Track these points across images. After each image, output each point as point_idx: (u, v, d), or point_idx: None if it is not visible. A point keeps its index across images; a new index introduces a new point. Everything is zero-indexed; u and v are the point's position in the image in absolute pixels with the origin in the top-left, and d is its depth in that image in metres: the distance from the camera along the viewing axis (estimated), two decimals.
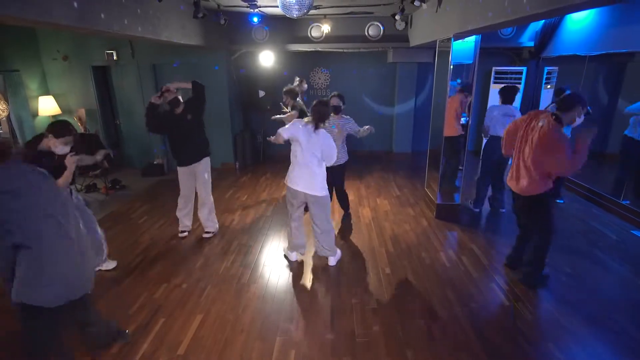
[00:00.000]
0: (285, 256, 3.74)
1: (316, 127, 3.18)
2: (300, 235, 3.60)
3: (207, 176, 4.02)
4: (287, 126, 3.32)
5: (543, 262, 3.15)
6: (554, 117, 2.81)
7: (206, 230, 4.20)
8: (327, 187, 3.36)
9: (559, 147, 2.71)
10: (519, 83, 6.54)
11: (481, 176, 4.69)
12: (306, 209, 3.59)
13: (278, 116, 4.82)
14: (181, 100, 3.78)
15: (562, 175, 3.06)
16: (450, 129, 4.53)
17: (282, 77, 7.42)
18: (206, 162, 3.99)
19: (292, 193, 3.39)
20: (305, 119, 3.27)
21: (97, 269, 3.47)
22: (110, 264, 3.60)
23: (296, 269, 3.56)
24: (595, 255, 3.71)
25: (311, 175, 3.24)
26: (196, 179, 4.00)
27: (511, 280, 3.32)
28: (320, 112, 3.18)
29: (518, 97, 6.55)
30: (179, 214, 4.18)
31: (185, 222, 4.23)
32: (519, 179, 3.01)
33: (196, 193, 4.11)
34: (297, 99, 4.83)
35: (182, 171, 3.97)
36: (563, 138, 2.73)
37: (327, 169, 3.48)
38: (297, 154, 3.27)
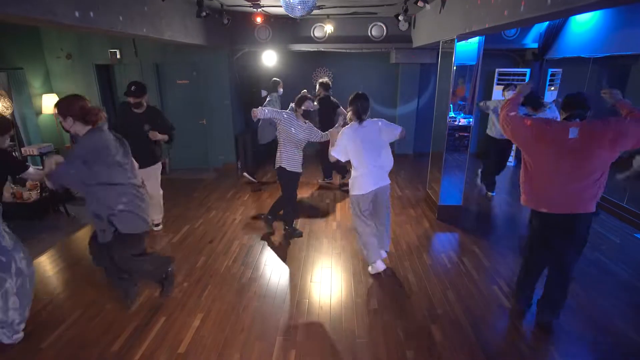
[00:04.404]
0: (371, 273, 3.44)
1: (360, 121, 3.12)
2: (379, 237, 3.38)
3: (156, 181, 4.07)
4: (343, 141, 3.14)
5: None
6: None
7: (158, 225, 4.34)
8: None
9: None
10: None
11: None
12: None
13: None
14: (144, 103, 3.79)
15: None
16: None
17: (285, 77, 7.43)
18: (157, 167, 4.03)
19: (364, 198, 3.21)
20: (349, 121, 3.17)
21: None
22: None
23: (297, 269, 3.56)
24: (598, 258, 3.69)
25: (382, 172, 3.20)
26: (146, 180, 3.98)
27: (512, 282, 3.31)
28: (362, 105, 3.10)
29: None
30: None
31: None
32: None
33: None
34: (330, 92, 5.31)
35: None
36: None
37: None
38: (361, 162, 3.14)
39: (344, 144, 3.14)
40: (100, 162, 2.36)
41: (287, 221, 4.17)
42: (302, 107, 3.75)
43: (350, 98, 3.15)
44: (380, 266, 3.38)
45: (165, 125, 3.93)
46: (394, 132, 3.19)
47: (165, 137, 3.91)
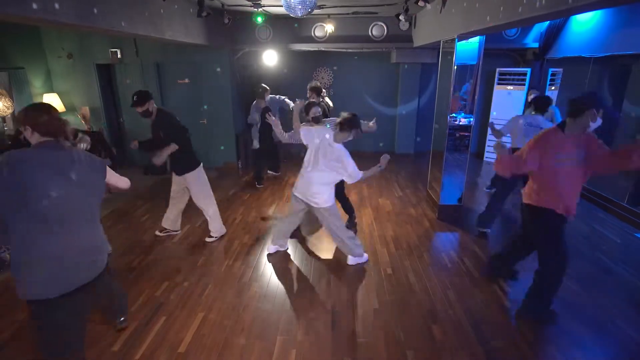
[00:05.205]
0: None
1: (340, 130, 3.12)
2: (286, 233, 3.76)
3: (197, 189, 3.91)
4: (307, 129, 3.33)
5: (547, 298, 2.75)
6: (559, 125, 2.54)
7: (210, 234, 4.17)
8: (332, 198, 3.35)
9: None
10: (523, 84, 6.53)
11: (496, 192, 4.22)
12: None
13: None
14: (150, 110, 3.57)
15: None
16: None
17: (285, 76, 7.43)
18: (191, 176, 3.83)
19: (293, 196, 3.47)
20: (334, 125, 3.19)
21: None
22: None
23: (298, 268, 3.56)
24: (598, 258, 3.69)
25: (315, 184, 3.25)
26: (189, 190, 3.96)
27: (512, 282, 3.31)
28: (352, 122, 3.11)
29: (521, 99, 6.54)
30: (166, 213, 4.19)
31: (165, 222, 4.21)
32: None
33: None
34: (322, 98, 4.87)
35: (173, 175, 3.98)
36: (541, 136, 2.53)
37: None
38: (311, 161, 3.25)
39: (305, 134, 3.31)
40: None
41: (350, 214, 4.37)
42: (310, 115, 3.77)
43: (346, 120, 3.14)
44: (270, 248, 3.80)
45: (170, 133, 3.64)
46: (339, 165, 3.12)
47: (169, 149, 3.54)
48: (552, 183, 2.53)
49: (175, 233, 4.27)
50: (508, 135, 4.19)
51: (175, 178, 3.97)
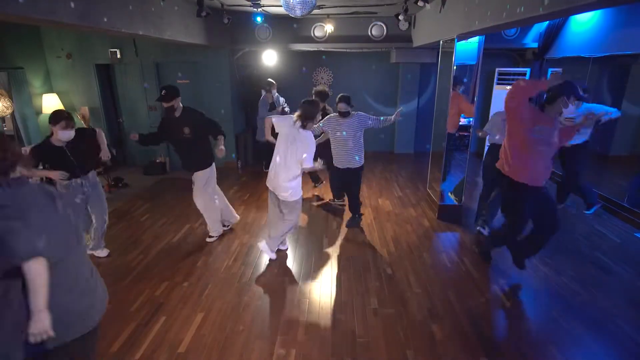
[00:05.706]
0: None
1: (303, 127, 3.23)
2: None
3: (204, 188, 3.86)
4: (277, 117, 3.47)
5: (502, 243, 3.37)
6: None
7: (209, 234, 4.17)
8: (299, 192, 3.41)
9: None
10: None
11: (485, 191, 4.13)
12: None
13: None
14: (175, 107, 3.57)
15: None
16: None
17: (285, 76, 7.43)
18: (201, 174, 3.80)
19: (269, 193, 3.51)
20: (294, 116, 3.30)
21: (90, 252, 3.55)
22: (103, 252, 3.76)
23: (297, 268, 3.56)
24: (598, 258, 3.68)
25: (283, 177, 3.29)
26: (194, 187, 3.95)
27: (512, 282, 3.31)
28: (306, 111, 3.22)
29: None
30: None
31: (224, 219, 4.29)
32: None
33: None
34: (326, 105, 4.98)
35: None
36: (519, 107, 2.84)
37: (343, 173, 3.89)
38: (279, 154, 3.33)
39: (276, 123, 3.37)
40: None
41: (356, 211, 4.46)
42: (338, 109, 4.01)
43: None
44: (265, 249, 3.64)
45: (206, 125, 3.71)
46: (305, 155, 3.21)
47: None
48: (525, 154, 2.84)
49: (233, 222, 4.37)
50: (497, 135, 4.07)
51: (193, 175, 3.95)
